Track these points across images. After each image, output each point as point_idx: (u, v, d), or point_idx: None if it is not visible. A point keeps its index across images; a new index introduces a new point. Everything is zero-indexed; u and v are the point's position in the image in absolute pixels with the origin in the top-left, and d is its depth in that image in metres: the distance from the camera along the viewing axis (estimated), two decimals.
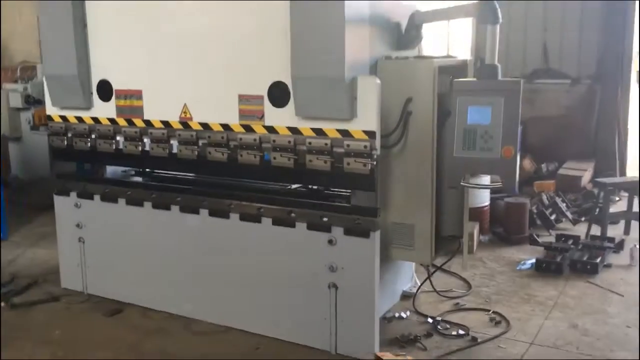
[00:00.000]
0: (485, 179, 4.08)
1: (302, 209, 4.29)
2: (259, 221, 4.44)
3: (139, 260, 5.08)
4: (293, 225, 4.31)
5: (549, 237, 6.70)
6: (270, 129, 4.29)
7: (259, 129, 4.34)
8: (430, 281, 5.14)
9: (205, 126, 4.55)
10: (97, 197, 5.18)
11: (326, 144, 4.08)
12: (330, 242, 4.19)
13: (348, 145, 4.01)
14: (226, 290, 4.71)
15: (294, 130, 4.20)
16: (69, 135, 5.22)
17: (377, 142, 3.97)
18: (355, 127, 3.99)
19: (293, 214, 4.31)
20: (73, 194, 5.31)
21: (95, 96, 5.02)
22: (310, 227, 4.26)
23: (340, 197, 4.36)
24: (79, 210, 5.30)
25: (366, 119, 3.95)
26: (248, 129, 4.38)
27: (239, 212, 4.51)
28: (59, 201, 5.42)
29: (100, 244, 5.28)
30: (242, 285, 4.63)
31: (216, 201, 4.62)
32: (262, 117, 4.31)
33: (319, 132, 4.11)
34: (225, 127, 4.47)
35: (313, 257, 4.29)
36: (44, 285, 5.67)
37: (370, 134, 3.95)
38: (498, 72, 3.80)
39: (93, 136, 5.10)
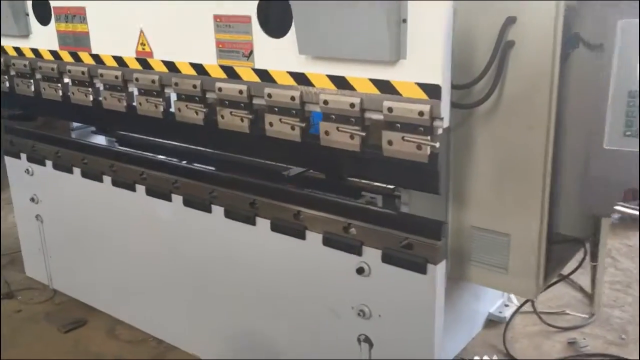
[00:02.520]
0: None
1: (314, 210, 2.56)
2: (253, 222, 2.78)
3: (105, 254, 3.59)
4: (302, 236, 2.61)
5: None
6: (264, 75, 2.52)
7: (247, 75, 2.57)
8: (533, 303, 3.35)
9: (171, 67, 2.84)
10: (49, 163, 3.68)
11: (352, 105, 2.27)
12: (360, 271, 2.48)
13: (390, 110, 2.19)
14: (212, 313, 3.15)
15: (299, 79, 2.41)
16: (12, 73, 3.68)
17: (445, 106, 2.11)
18: (404, 77, 2.14)
19: (301, 217, 2.60)
20: (24, 156, 3.84)
21: (33, 19, 3.39)
22: (328, 242, 2.54)
23: (380, 193, 2.58)
24: (31, 179, 3.85)
25: (424, 61, 2.08)
26: (231, 73, 2.62)
27: (223, 205, 2.87)
28: (10, 164, 3.98)
29: (60, 226, 3.83)
30: (238, 312, 3.04)
31: (193, 185, 2.98)
32: (250, 55, 2.53)
33: (341, 83, 2.30)
34: (199, 69, 2.73)
35: (333, 289, 2.61)
36: (10, 269, 4.35)
37: (431, 90, 2.09)
38: None
39: (38, 76, 3.53)
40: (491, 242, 2.60)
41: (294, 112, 2.45)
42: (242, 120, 2.63)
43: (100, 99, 3.19)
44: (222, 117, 2.69)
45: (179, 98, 2.84)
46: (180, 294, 3.24)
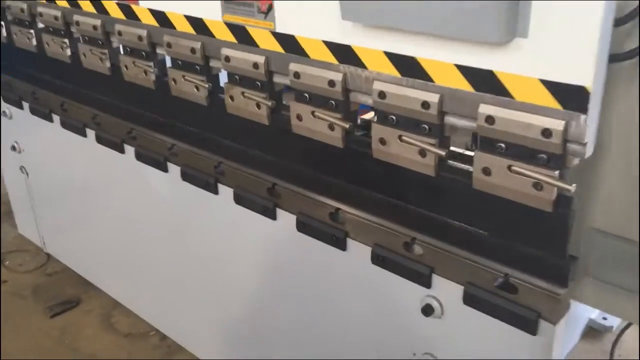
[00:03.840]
0: None
1: (359, 210, 1.75)
2: (272, 216, 2.00)
3: (98, 221, 2.93)
4: (341, 245, 1.82)
5: None
6: (289, 43, 1.65)
7: (265, 40, 1.71)
8: None
9: (163, 20, 1.99)
10: (27, 106, 2.97)
11: (426, 105, 1.41)
12: (427, 310, 1.68)
13: (490, 120, 1.31)
14: (224, 316, 2.47)
15: (343, 54, 1.54)
16: None
17: (592, 123, 1.22)
18: (520, 68, 1.24)
19: (340, 218, 1.80)
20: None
21: None
22: (380, 260, 1.74)
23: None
24: (11, 123, 3.19)
25: (562, 45, 1.18)
26: (242, 36, 1.76)
27: (233, 186, 2.09)
28: None
29: (47, 182, 3.19)
30: (257, 327, 2.35)
31: (194, 154, 2.20)
32: (269, 11, 1.66)
33: (408, 68, 1.42)
34: (199, 26, 1.88)
35: (386, 325, 1.84)
36: (6, 221, 3.74)
37: (570, 95, 1.20)
38: None
39: (9, 17, 2.74)
40: (622, 254, 1.71)
41: (334, 103, 1.60)
42: (258, 107, 1.80)
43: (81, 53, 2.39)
44: (232, 98, 1.86)
45: (174, 65, 2.02)
46: (188, 283, 2.54)
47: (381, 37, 1.43)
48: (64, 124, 2.75)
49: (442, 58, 1.35)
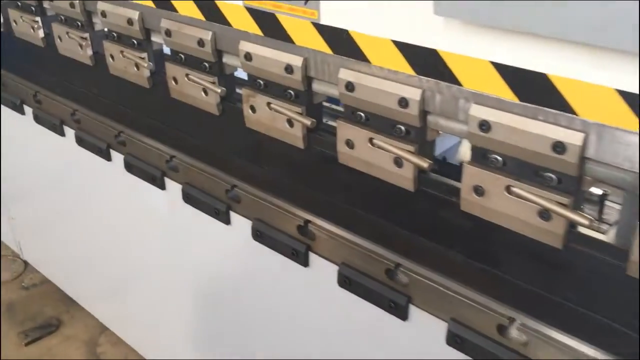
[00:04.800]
0: None
1: (428, 269, 1.26)
2: (304, 262, 1.55)
3: (82, 230, 2.46)
4: (402, 314, 1.34)
5: None
6: (338, 41, 1.16)
7: (304, 35, 1.22)
8: None
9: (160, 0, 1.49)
10: None
11: (559, 149, 0.93)
12: None
13: None
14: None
15: (422, 60, 1.05)
16: None
17: None
18: None
19: (400, 277, 1.32)
20: None
21: None
22: (457, 342, 1.25)
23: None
24: None
25: None
26: (270, 28, 1.27)
27: (249, 217, 1.62)
28: None
29: (19, 181, 2.71)
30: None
31: (202, 172, 1.72)
32: None
33: (530, 87, 0.94)
34: (210, 10, 1.38)
35: None
36: None
37: None
38: None
39: None
40: None
41: (403, 129, 1.13)
42: (290, 124, 1.32)
43: (57, 36, 1.90)
44: (253, 109, 1.38)
45: (175, 59, 1.53)
46: (189, 312, 2.10)
47: (491, 42, 0.95)
48: (38, 119, 2.26)
49: (596, 80, 0.87)
